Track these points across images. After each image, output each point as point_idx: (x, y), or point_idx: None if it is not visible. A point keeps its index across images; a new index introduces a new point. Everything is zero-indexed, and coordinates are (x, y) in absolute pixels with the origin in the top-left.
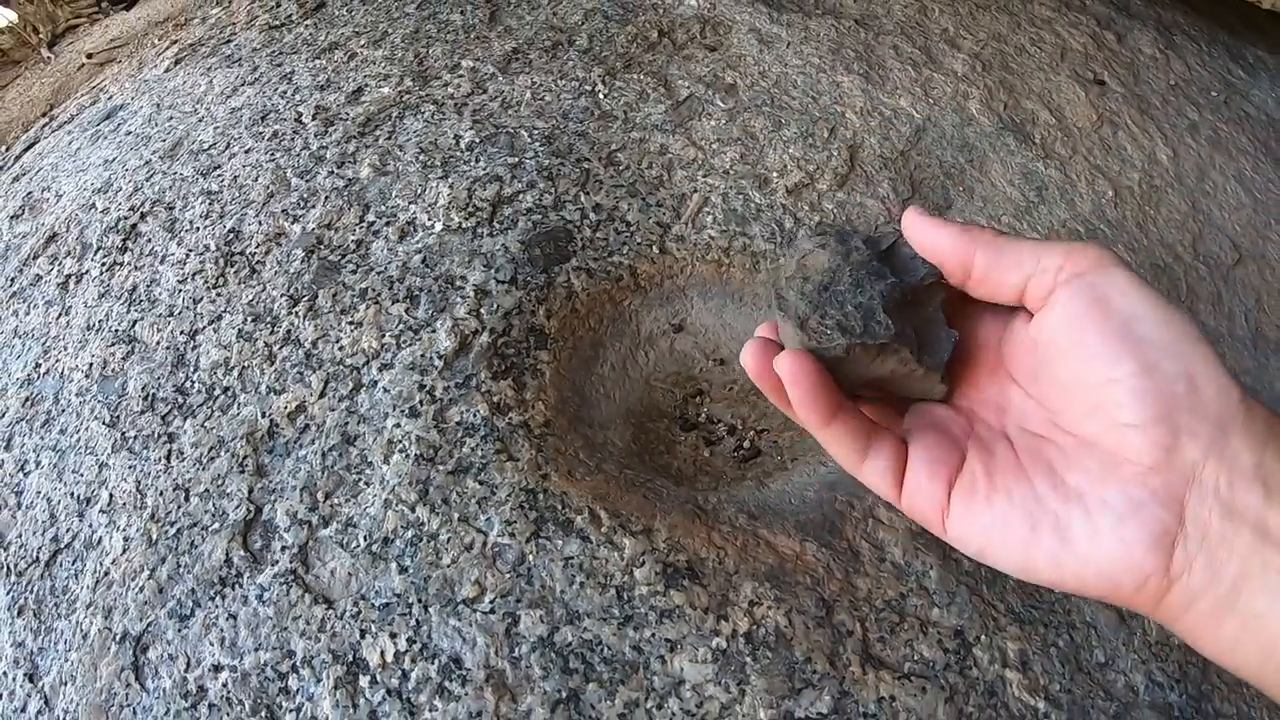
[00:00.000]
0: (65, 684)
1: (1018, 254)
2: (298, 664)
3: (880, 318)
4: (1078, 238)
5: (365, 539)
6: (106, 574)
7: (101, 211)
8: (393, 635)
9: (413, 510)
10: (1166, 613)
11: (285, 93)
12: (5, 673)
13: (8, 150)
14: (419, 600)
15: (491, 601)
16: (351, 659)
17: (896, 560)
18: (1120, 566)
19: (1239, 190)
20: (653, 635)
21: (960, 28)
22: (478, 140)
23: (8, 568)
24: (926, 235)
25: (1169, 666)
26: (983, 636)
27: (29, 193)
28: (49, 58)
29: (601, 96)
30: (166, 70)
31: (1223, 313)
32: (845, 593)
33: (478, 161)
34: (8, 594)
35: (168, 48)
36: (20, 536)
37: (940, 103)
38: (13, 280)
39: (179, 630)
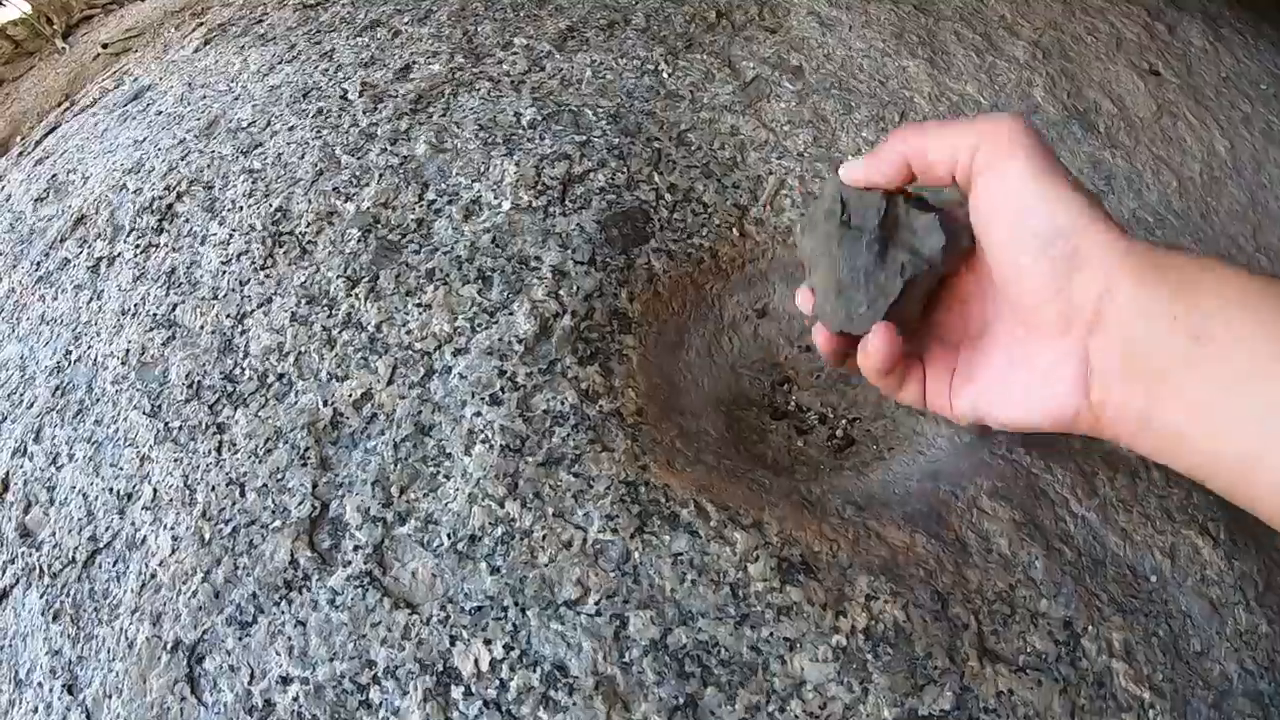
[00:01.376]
0: (110, 697)
1: (938, 148)
2: (379, 675)
3: (883, 276)
4: (1148, 229)
5: (449, 537)
6: (153, 576)
7: (134, 192)
8: (487, 641)
9: (501, 505)
10: (1113, 433)
11: (327, 70)
12: (41, 683)
13: (24, 138)
14: (515, 603)
15: (597, 603)
16: (441, 668)
17: (1003, 551)
18: (1055, 407)
19: None
20: (771, 634)
21: (1018, 15)
22: (540, 118)
23: (40, 569)
24: (866, 175)
25: (1259, 655)
26: (1090, 627)
27: (53, 175)
28: (63, 48)
29: (665, 76)
30: (195, 50)
31: None
32: (958, 585)
33: (543, 139)
34: (41, 598)
35: (194, 29)
36: (54, 535)
37: (1006, 89)
38: (38, 265)
39: (240, 639)
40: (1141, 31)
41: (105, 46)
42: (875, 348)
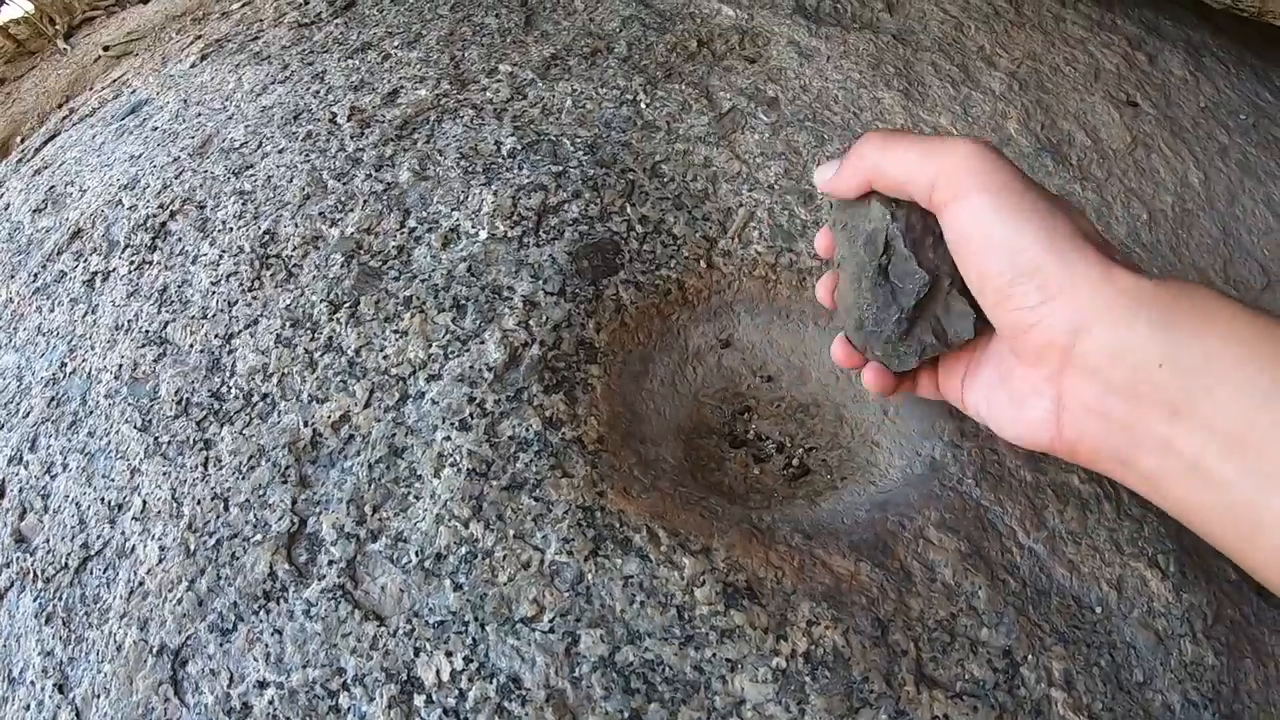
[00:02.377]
0: (98, 696)
1: (895, 173)
2: (349, 682)
3: (902, 350)
4: None
5: (417, 554)
6: (141, 584)
7: (129, 208)
8: (449, 654)
9: (466, 526)
10: (1093, 467)
11: (318, 92)
12: (34, 682)
13: (24, 142)
14: (475, 618)
15: (551, 620)
16: (406, 677)
17: (947, 580)
18: (1030, 435)
19: (1268, 215)
20: (714, 655)
21: (997, 45)
22: (520, 147)
23: (34, 574)
24: (832, 188)
25: (1203, 686)
26: (1030, 656)
27: (52, 186)
28: (65, 49)
29: (644, 106)
30: (192, 65)
31: None
32: (899, 613)
33: (521, 169)
34: (35, 601)
35: (192, 43)
36: (48, 541)
37: (979, 121)
38: (36, 276)
39: (221, 645)
40: (1121, 61)
41: (107, 49)
42: (869, 383)
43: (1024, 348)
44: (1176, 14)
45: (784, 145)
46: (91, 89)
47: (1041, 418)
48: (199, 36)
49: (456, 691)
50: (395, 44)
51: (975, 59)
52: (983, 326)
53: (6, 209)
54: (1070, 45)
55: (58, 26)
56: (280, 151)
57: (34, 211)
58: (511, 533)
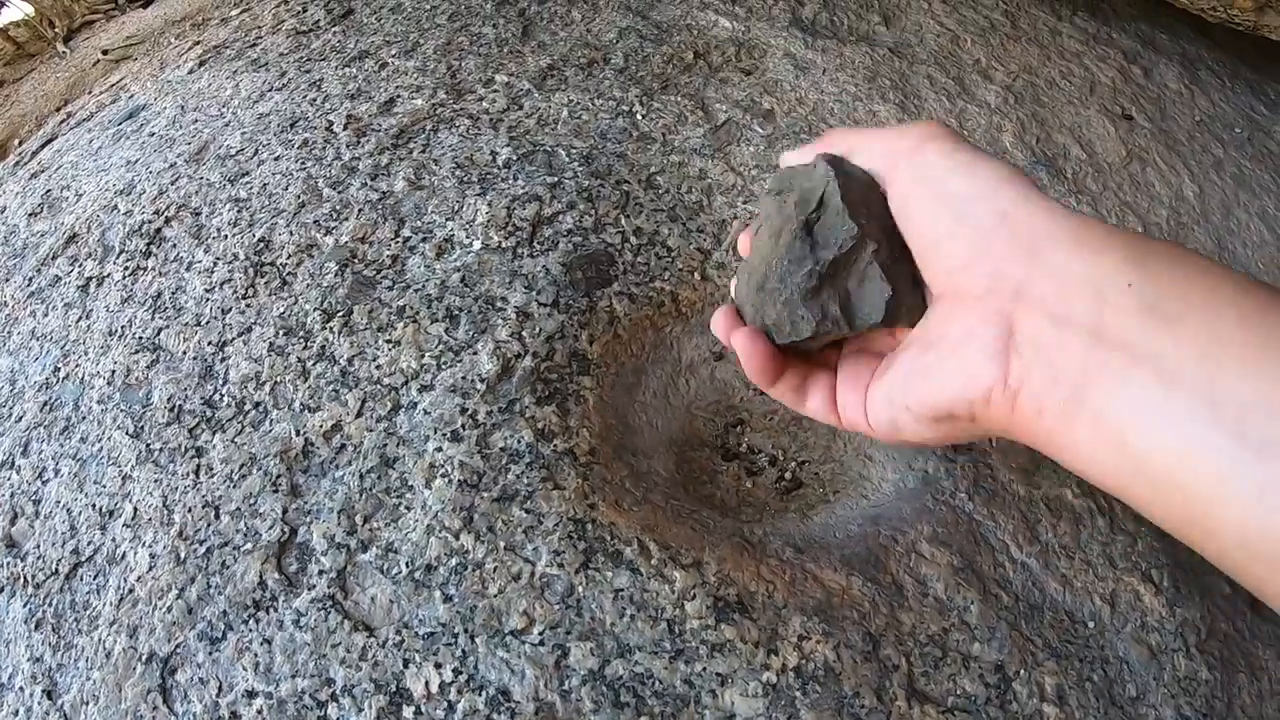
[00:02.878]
0: (87, 703)
1: (862, 149)
2: (337, 692)
3: (800, 313)
4: None
5: (407, 565)
6: (131, 591)
7: (124, 214)
8: (438, 665)
9: (457, 537)
10: (1022, 425)
11: (314, 100)
12: (22, 688)
13: (22, 145)
14: (465, 630)
15: (541, 633)
16: (395, 689)
17: (939, 595)
18: (964, 383)
19: (1262, 228)
20: (704, 669)
21: (992, 59)
22: (515, 158)
23: (24, 579)
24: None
25: (1196, 701)
26: (1022, 671)
27: (48, 190)
28: (64, 53)
29: (639, 117)
30: (190, 72)
31: None
32: (891, 627)
33: (516, 179)
34: (24, 606)
35: (190, 49)
36: (38, 547)
37: (975, 135)
38: (30, 280)
39: (210, 653)
40: (1117, 75)
41: (105, 53)
42: (743, 351)
43: (970, 282)
44: (1172, 28)
45: (779, 158)
46: (90, 93)
47: (984, 357)
48: (197, 43)
49: (445, 703)
50: (392, 53)
51: (971, 72)
52: (893, 319)
53: (2, 212)
54: (1066, 59)
55: (57, 30)
56: (276, 159)
57: (30, 215)
58: (502, 544)
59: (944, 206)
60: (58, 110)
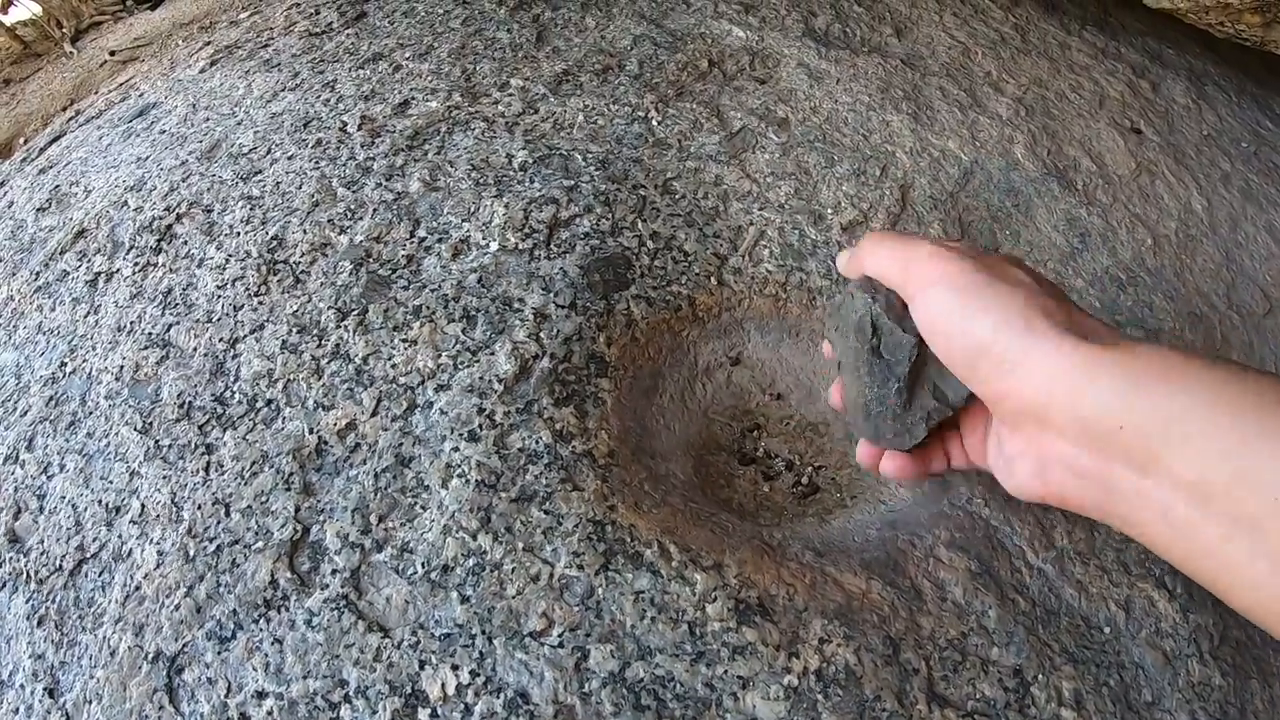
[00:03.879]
0: (90, 702)
1: (877, 270)
2: (350, 694)
3: (909, 420)
4: (1120, 286)
5: (423, 566)
6: (138, 588)
7: (134, 210)
8: (455, 667)
9: (474, 538)
10: (1077, 509)
11: (328, 101)
12: (23, 685)
13: (28, 142)
14: (483, 631)
15: (560, 635)
16: (410, 691)
17: (957, 599)
18: (1025, 488)
19: (1269, 241)
20: (725, 672)
21: (1003, 71)
22: (531, 160)
23: (28, 574)
24: (845, 270)
25: (1210, 706)
26: (1040, 675)
27: (56, 186)
28: (71, 53)
29: (655, 123)
30: (201, 71)
31: (1255, 360)
32: (910, 631)
33: (532, 182)
34: (27, 602)
35: (201, 48)
36: (42, 543)
37: (987, 146)
38: (38, 274)
39: (219, 653)
40: (1125, 89)
41: (113, 54)
42: (890, 471)
43: (1002, 416)
44: (1179, 43)
45: (794, 165)
46: (97, 92)
47: (1029, 475)
48: (208, 43)
49: (462, 706)
50: (406, 55)
51: (982, 84)
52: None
53: (10, 206)
54: (1075, 72)
55: (64, 30)
56: (290, 158)
57: (38, 210)
58: (521, 545)
59: (958, 357)
60: (64, 110)
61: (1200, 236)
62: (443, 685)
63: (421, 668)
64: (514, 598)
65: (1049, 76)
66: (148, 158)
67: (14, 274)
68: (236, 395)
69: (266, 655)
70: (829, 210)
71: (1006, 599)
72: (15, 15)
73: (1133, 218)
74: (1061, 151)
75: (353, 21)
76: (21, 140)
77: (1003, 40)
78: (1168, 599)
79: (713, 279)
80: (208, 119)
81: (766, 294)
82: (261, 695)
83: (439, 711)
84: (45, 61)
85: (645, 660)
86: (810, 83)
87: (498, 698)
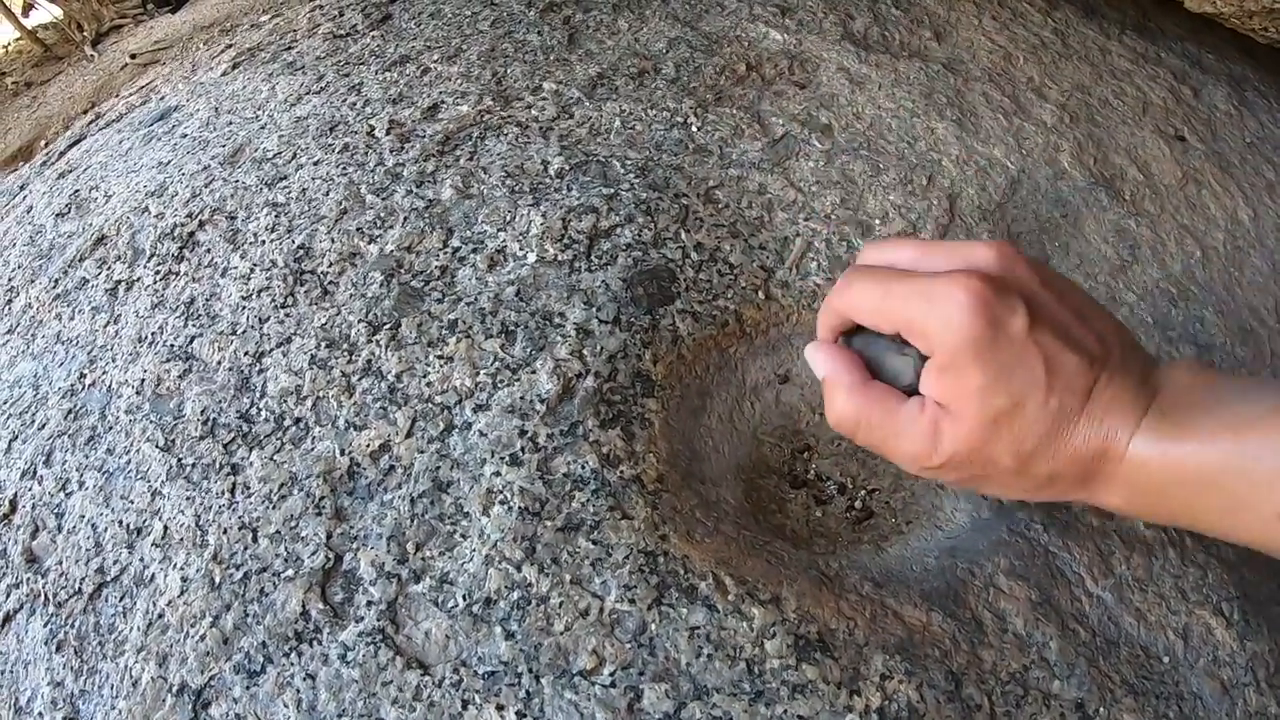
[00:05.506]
0: None
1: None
2: None
3: None
4: (1171, 300)
5: (464, 598)
6: (161, 616)
7: (156, 216)
8: (500, 708)
9: (518, 569)
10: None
11: (355, 104)
12: (41, 714)
13: (49, 146)
14: (529, 669)
15: (611, 673)
16: None
17: (1018, 631)
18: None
19: None
20: (785, 712)
21: (1046, 77)
22: (568, 168)
23: (46, 597)
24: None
25: None
26: (1101, 709)
27: (76, 190)
28: (92, 56)
29: (695, 129)
30: (223, 74)
31: None
32: (972, 665)
33: (570, 190)
34: (45, 626)
35: (223, 51)
36: (60, 564)
37: (1033, 154)
38: (56, 282)
39: (247, 688)
40: (1168, 95)
41: (134, 57)
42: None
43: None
44: (1218, 48)
45: (839, 174)
46: (118, 95)
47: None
48: (230, 45)
49: None
50: (434, 58)
51: (1025, 90)
52: None
53: (29, 211)
54: (1117, 78)
55: (85, 33)
56: (315, 163)
57: (57, 215)
58: (568, 578)
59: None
60: (85, 113)
61: (1248, 248)
62: None
63: (465, 708)
64: (562, 634)
65: (1091, 82)
66: (169, 162)
67: (33, 281)
68: (263, 413)
69: (299, 691)
70: (877, 221)
71: (1067, 629)
72: (36, 19)
73: (1181, 228)
74: (1108, 160)
75: (378, 24)
76: (42, 143)
77: (1043, 45)
78: (1225, 626)
79: (760, 293)
80: (230, 123)
81: (815, 308)
82: None
83: None
84: (66, 65)
85: (702, 700)
86: (851, 88)
87: None
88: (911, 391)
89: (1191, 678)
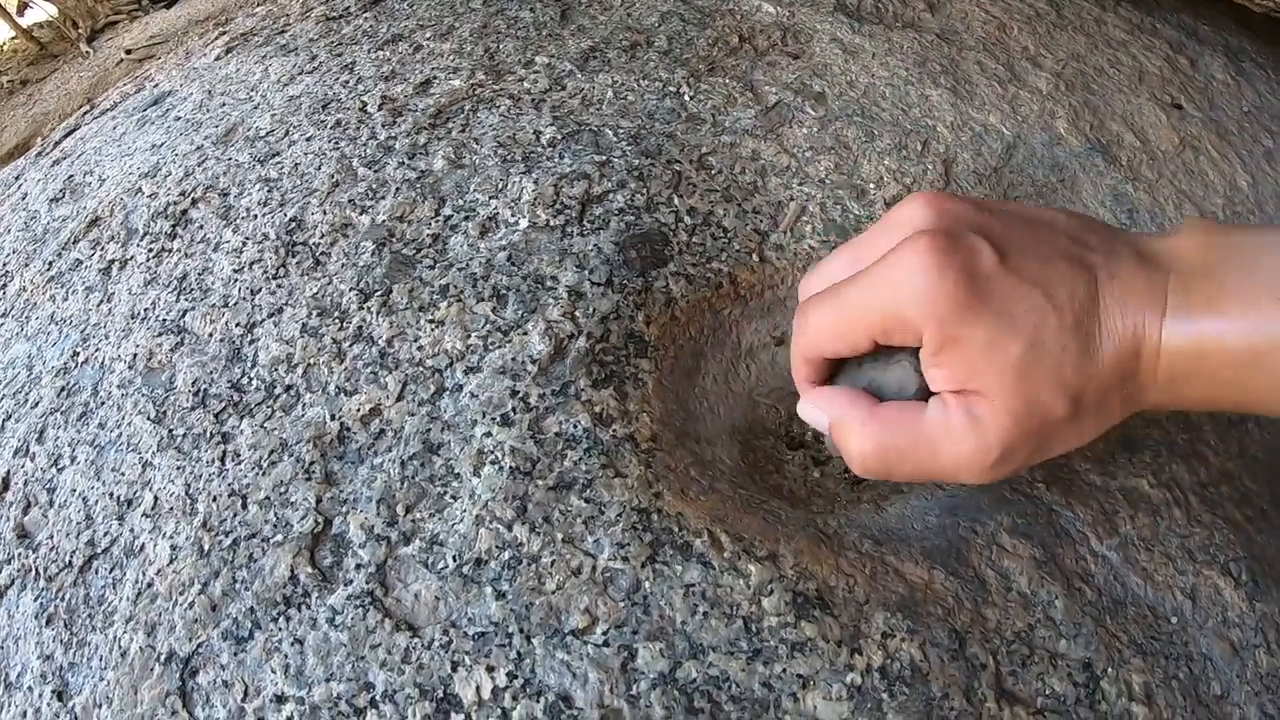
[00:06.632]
0: (100, 706)
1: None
2: (377, 698)
3: None
4: None
5: (454, 559)
6: (150, 585)
7: (149, 196)
8: (490, 669)
9: (509, 529)
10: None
11: (347, 82)
12: (31, 688)
13: (44, 139)
14: (520, 630)
15: (604, 633)
16: (441, 694)
17: (1023, 589)
18: None
19: None
20: (784, 670)
21: (1040, 46)
22: (560, 136)
23: (36, 571)
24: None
25: (1279, 699)
26: (1109, 669)
27: (70, 176)
28: (87, 53)
29: (687, 99)
30: (217, 58)
31: None
32: (976, 624)
33: (562, 158)
34: (36, 600)
35: (217, 37)
36: (51, 538)
37: (1029, 120)
38: (50, 264)
39: (235, 654)
40: (1164, 64)
41: (129, 52)
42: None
43: None
44: (1213, 19)
45: (833, 140)
46: (115, 85)
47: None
48: (224, 32)
49: (499, 711)
50: (427, 36)
51: (1020, 58)
52: None
53: (24, 199)
54: (1113, 47)
55: (80, 30)
56: (308, 139)
57: (51, 201)
58: (560, 536)
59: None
60: (80, 109)
61: (1246, 214)
62: (477, 688)
63: (454, 669)
64: (554, 593)
65: (1086, 51)
66: (162, 144)
67: (27, 265)
68: (254, 382)
69: (286, 656)
70: (871, 185)
71: (1073, 588)
72: (31, 17)
73: (1179, 194)
74: (1104, 126)
75: (371, 5)
76: (39, 140)
77: (1038, 15)
78: (1233, 586)
79: (754, 255)
80: (224, 104)
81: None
82: (281, 699)
83: (473, 717)
84: (62, 62)
85: (698, 659)
86: (845, 57)
87: (537, 702)
88: (924, 396)
89: (1201, 638)
